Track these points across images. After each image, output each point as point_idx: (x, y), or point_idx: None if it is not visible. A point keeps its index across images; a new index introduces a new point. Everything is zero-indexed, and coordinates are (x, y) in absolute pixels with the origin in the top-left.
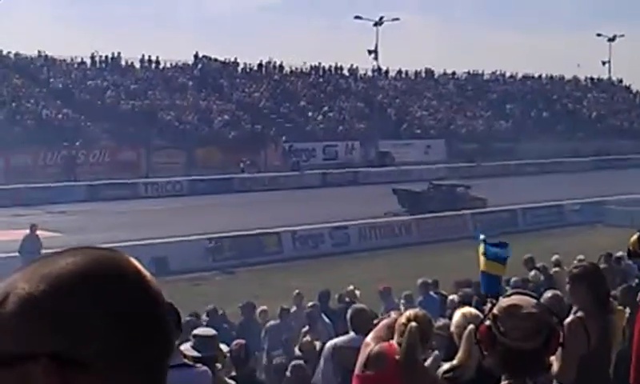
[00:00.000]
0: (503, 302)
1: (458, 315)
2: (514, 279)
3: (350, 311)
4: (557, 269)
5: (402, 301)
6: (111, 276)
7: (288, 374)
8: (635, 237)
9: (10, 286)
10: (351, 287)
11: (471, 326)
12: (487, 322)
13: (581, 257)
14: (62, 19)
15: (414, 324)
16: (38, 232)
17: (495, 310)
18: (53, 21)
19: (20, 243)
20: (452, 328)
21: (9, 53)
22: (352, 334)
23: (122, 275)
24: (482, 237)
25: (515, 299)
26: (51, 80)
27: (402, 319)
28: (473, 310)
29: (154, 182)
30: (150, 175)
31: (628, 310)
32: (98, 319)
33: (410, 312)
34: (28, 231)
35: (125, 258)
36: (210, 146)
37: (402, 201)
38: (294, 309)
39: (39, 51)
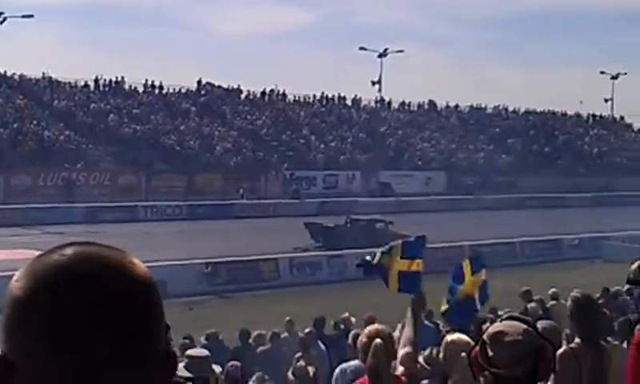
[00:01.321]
0: (492, 327)
1: (446, 342)
2: (505, 311)
3: (350, 336)
4: (554, 302)
5: (399, 328)
6: (87, 272)
7: None
8: (636, 264)
9: (12, 279)
10: (346, 314)
11: (463, 354)
12: (476, 348)
13: (577, 290)
14: (67, 42)
15: (378, 341)
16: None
17: (484, 336)
18: (57, 43)
19: None
20: (441, 355)
21: (13, 74)
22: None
23: (98, 270)
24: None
25: (503, 325)
26: (55, 102)
27: (363, 338)
28: (463, 336)
29: (154, 205)
30: (150, 199)
31: (625, 345)
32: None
33: (371, 328)
34: None
35: (112, 255)
36: (211, 171)
37: (315, 235)
38: (285, 334)
39: (43, 73)
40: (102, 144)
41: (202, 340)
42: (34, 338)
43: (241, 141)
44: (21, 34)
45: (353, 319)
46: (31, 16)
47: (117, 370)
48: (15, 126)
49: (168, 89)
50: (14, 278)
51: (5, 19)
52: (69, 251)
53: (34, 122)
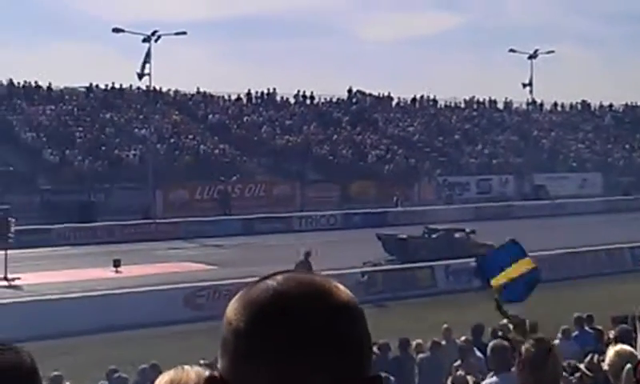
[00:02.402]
0: None
1: (611, 353)
2: None
3: (489, 347)
4: None
5: (559, 335)
6: (297, 297)
7: None
8: None
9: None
10: (504, 321)
11: (629, 365)
12: None
13: None
14: (219, 57)
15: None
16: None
17: None
18: (210, 58)
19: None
20: (606, 366)
21: (169, 90)
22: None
23: (307, 295)
24: None
25: None
26: (209, 116)
27: (529, 348)
28: (627, 348)
29: (309, 215)
30: (305, 209)
31: None
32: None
33: (536, 337)
34: (302, 258)
35: (319, 281)
36: (364, 179)
37: (388, 247)
38: (444, 342)
39: (197, 88)
40: (256, 156)
41: (375, 349)
42: (246, 360)
43: (393, 148)
44: (175, 50)
45: (511, 326)
46: (184, 33)
47: None
48: (172, 141)
49: (319, 99)
50: (230, 303)
51: (159, 37)
52: (279, 278)
53: (190, 136)
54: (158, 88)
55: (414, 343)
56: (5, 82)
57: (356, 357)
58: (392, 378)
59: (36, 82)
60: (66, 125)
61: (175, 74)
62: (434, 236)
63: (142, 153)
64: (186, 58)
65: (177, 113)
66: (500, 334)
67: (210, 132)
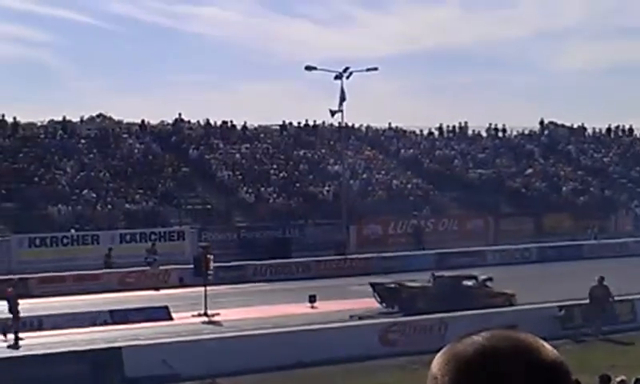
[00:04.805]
0: None
1: None
2: None
3: None
4: None
5: None
6: (502, 350)
7: None
8: None
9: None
10: None
11: None
12: None
13: None
14: (410, 91)
15: None
16: None
17: None
18: (401, 93)
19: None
20: None
21: (361, 126)
22: None
23: (512, 350)
24: None
25: None
26: (401, 151)
27: None
28: None
29: (502, 249)
30: (498, 242)
31: None
32: None
33: None
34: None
35: (525, 337)
36: (558, 212)
37: (381, 297)
38: None
39: (389, 123)
40: (448, 190)
41: None
42: None
43: (587, 179)
44: (366, 86)
45: None
46: (375, 69)
47: None
48: (364, 176)
49: (511, 131)
50: (435, 358)
51: (351, 74)
52: (485, 333)
53: (382, 171)
54: (350, 124)
55: (617, 380)
56: (202, 122)
57: None
58: None
59: (231, 122)
60: (260, 162)
61: (367, 110)
62: (440, 284)
63: (336, 189)
64: (377, 94)
65: (369, 148)
66: None
67: (402, 167)
